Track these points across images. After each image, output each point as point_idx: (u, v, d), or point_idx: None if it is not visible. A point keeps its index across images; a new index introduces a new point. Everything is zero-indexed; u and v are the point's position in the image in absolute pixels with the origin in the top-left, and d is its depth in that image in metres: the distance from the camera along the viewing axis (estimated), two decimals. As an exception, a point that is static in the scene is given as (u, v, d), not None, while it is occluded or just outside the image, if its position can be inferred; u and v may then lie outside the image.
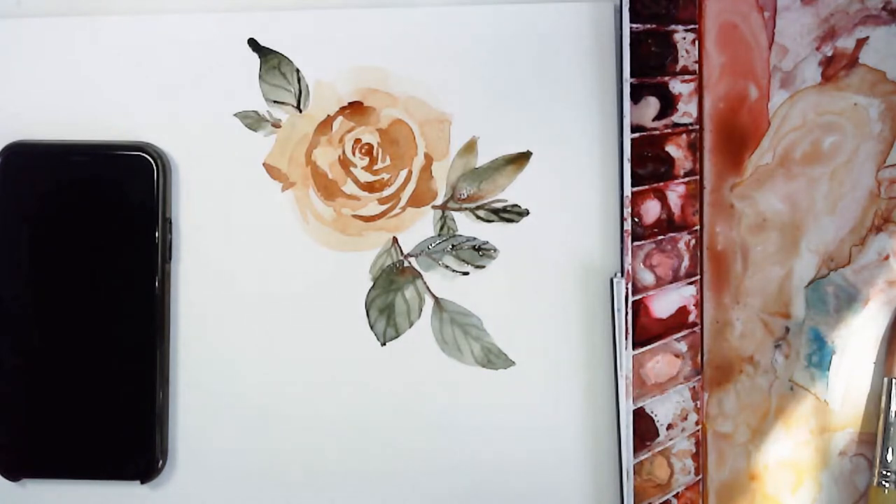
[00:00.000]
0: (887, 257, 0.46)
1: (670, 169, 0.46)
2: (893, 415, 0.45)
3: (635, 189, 0.46)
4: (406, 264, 0.48)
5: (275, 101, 0.48)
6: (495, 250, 0.47)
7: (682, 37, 0.46)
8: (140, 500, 0.48)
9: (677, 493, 0.46)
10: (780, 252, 0.46)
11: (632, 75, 0.46)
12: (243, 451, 0.47)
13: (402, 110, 0.48)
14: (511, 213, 0.47)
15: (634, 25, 0.46)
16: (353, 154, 0.48)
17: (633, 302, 0.46)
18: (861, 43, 0.46)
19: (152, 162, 0.47)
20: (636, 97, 0.46)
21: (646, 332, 0.46)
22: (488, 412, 0.47)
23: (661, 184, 0.46)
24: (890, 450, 0.45)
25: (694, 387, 0.46)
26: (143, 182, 0.47)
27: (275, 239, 0.48)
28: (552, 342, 0.47)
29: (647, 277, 0.46)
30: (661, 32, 0.46)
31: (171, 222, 0.48)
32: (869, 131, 0.46)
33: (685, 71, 0.46)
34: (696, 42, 0.46)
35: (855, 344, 0.46)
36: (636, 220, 0.46)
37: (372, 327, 0.47)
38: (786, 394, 0.46)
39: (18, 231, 0.47)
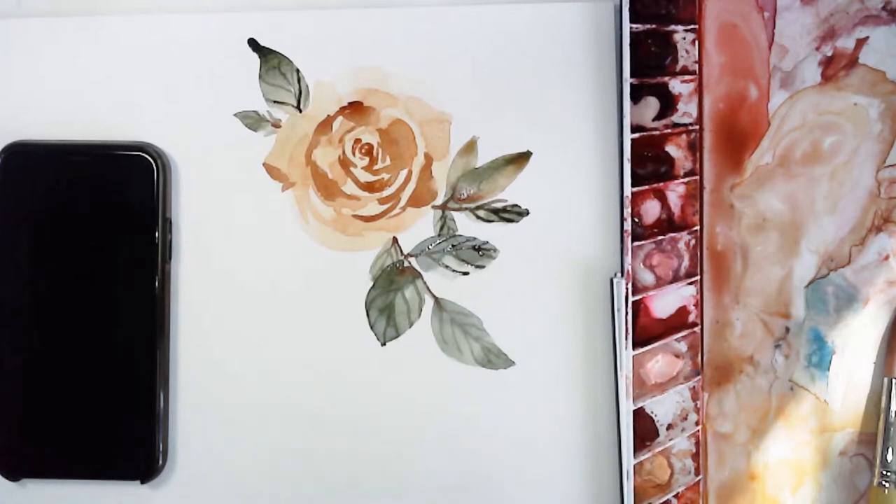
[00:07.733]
0: (887, 257, 0.46)
1: (670, 169, 0.46)
2: (893, 415, 0.45)
3: (635, 189, 0.46)
4: (406, 264, 0.48)
5: (275, 101, 0.48)
6: (495, 250, 0.47)
7: (682, 37, 0.46)
8: (140, 500, 0.48)
9: (677, 493, 0.46)
10: (780, 252, 0.46)
11: (632, 75, 0.46)
12: (243, 451, 0.47)
13: (402, 110, 0.48)
14: (511, 213, 0.47)
15: (634, 25, 0.46)
16: (353, 154, 0.48)
17: (633, 302, 0.46)
18: (861, 43, 0.46)
19: (152, 162, 0.47)
20: (636, 97, 0.46)
21: (646, 332, 0.46)
22: (488, 412, 0.47)
23: (661, 184, 0.46)
24: (890, 450, 0.45)
25: (694, 387, 0.46)
26: (143, 182, 0.47)
27: (275, 239, 0.48)
28: (552, 342, 0.47)
29: (647, 277, 0.46)
30: (661, 32, 0.46)
31: (171, 222, 0.48)
32: (869, 131, 0.46)
33: (685, 71, 0.46)
34: (696, 42, 0.46)
35: (855, 344, 0.46)
36: (636, 220, 0.46)
37: (372, 327, 0.47)
38: (786, 394, 0.46)
39: (18, 231, 0.47)
